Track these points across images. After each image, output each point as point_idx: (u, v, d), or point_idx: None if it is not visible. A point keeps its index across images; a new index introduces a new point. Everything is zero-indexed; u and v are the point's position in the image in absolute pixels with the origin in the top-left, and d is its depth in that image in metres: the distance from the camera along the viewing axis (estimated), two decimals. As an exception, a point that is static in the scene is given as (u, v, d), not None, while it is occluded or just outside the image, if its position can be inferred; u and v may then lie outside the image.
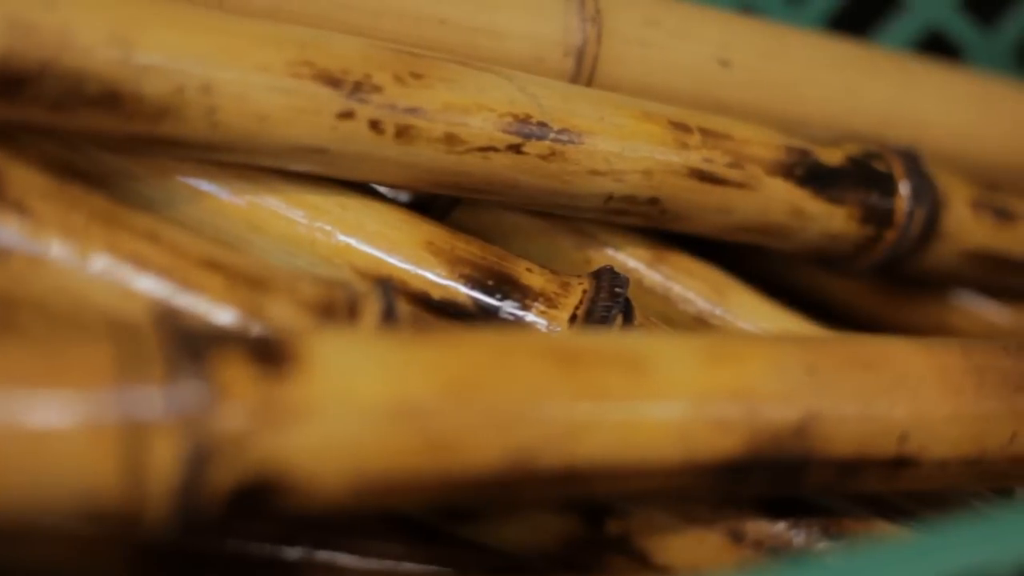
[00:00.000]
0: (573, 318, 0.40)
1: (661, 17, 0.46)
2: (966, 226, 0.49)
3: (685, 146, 0.43)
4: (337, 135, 0.37)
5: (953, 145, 0.54)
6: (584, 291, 0.41)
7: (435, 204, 0.44)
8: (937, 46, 0.61)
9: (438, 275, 0.39)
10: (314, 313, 0.35)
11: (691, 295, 0.45)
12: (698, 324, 0.45)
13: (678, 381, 0.32)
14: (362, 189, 0.40)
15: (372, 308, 0.35)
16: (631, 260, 0.45)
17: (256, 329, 0.30)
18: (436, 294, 0.39)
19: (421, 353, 0.31)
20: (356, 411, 0.30)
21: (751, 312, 0.46)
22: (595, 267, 0.44)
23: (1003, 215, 0.50)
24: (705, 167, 0.43)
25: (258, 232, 0.39)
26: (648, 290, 0.45)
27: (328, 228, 0.39)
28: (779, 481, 0.34)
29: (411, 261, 0.39)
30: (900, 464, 0.35)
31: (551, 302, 0.40)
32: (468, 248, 0.40)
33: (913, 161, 0.48)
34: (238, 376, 0.29)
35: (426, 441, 0.30)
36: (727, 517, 0.36)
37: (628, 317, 0.40)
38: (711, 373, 0.33)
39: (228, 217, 0.39)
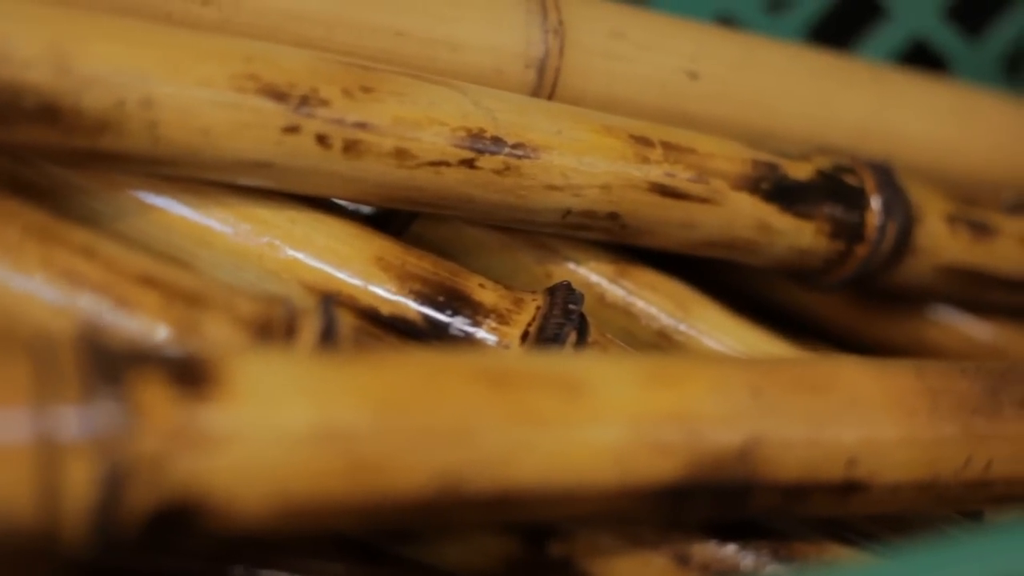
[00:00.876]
0: (525, 335, 0.39)
1: (628, 29, 0.46)
2: (941, 241, 0.49)
3: (646, 160, 0.42)
4: (283, 150, 0.37)
5: (932, 158, 0.53)
6: (538, 307, 0.40)
7: (395, 217, 0.44)
8: (922, 56, 0.60)
9: (387, 291, 0.39)
10: (251, 331, 0.34)
11: (654, 310, 0.45)
12: (661, 340, 0.45)
13: (616, 404, 0.32)
14: (314, 203, 0.40)
15: (311, 327, 0.34)
16: (593, 275, 0.44)
17: (181, 349, 0.30)
18: (385, 310, 0.39)
19: (348, 375, 0.30)
20: (278, 433, 0.29)
21: (716, 328, 0.45)
22: (556, 282, 0.44)
23: (980, 230, 0.50)
24: (667, 182, 0.42)
25: (206, 246, 0.38)
26: (610, 305, 0.44)
27: (276, 243, 0.39)
28: (722, 505, 0.33)
29: (360, 276, 0.39)
30: (849, 489, 0.34)
31: (503, 319, 0.39)
32: (420, 263, 0.40)
33: (886, 175, 0.48)
34: (156, 397, 0.28)
35: (351, 464, 0.29)
36: (673, 540, 0.35)
37: (582, 334, 0.40)
38: (650, 395, 0.32)
39: (176, 231, 0.38)
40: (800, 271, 0.47)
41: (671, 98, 0.47)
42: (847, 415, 0.34)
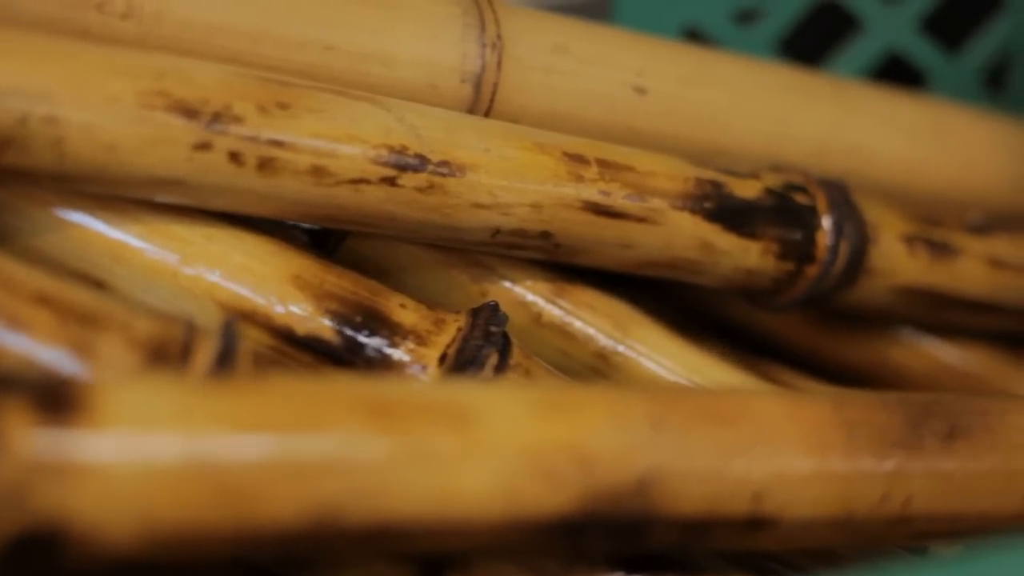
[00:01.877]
0: (443, 357, 0.39)
1: (571, 42, 0.45)
2: (898, 262, 0.48)
3: (580, 178, 0.41)
4: (194, 166, 0.36)
5: (898, 175, 0.52)
6: (459, 329, 0.39)
7: (330, 233, 0.43)
8: (899, 71, 0.59)
9: (303, 310, 0.38)
10: (146, 352, 0.33)
11: (592, 331, 0.44)
12: (599, 362, 0.44)
13: (505, 434, 0.31)
14: (234, 219, 0.39)
15: (206, 350, 0.33)
16: (529, 294, 0.43)
17: (53, 374, 0.29)
18: (300, 330, 0.38)
19: (224, 402, 0.29)
20: (146, 462, 0.29)
21: (656, 350, 0.44)
22: (491, 301, 0.43)
23: (941, 250, 0.49)
24: (601, 200, 0.42)
25: (121, 262, 0.38)
26: (546, 326, 0.43)
27: (191, 260, 0.38)
28: (620, 540, 0.32)
29: (275, 295, 0.38)
30: (755, 524, 0.33)
31: (422, 340, 0.39)
32: (339, 282, 0.39)
33: (840, 193, 0.47)
34: (19, 424, 0.28)
35: (222, 494, 0.29)
36: (577, 571, 0.35)
37: (505, 356, 0.39)
38: (543, 426, 0.31)
39: (92, 246, 0.38)
40: (749, 291, 0.46)
41: (617, 114, 0.46)
42: (754, 448, 0.33)
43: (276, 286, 0.38)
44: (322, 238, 0.44)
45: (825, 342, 0.52)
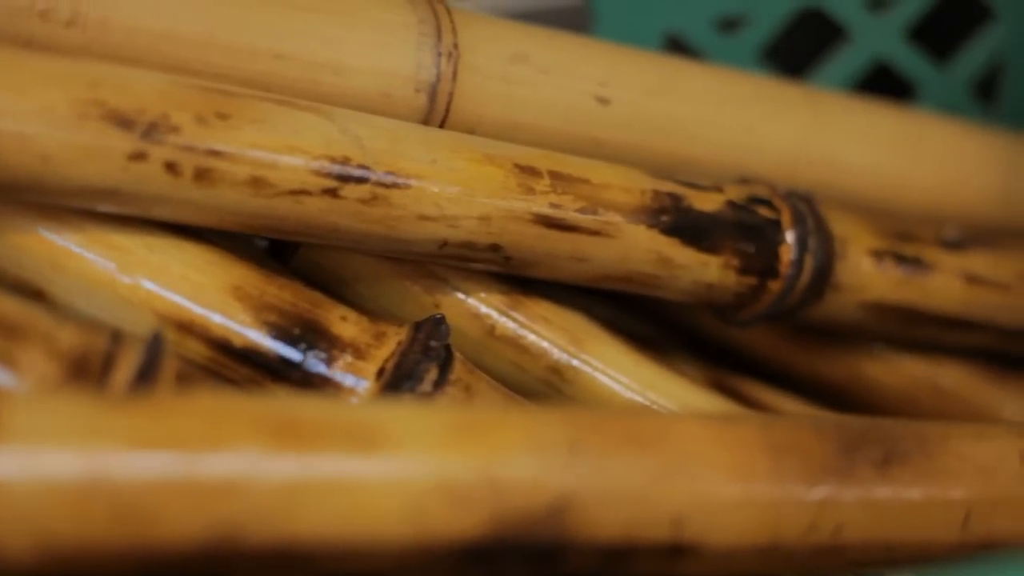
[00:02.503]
0: (382, 371, 0.38)
1: (532, 52, 0.45)
2: (866, 277, 0.47)
3: (530, 191, 0.41)
4: (129, 176, 0.36)
5: (874, 188, 0.51)
6: (399, 343, 0.39)
7: (287, 242, 0.43)
8: (887, 81, 0.58)
9: (241, 322, 0.38)
10: (67, 364, 0.33)
11: (546, 345, 0.43)
12: (553, 376, 0.43)
13: (414, 455, 0.31)
14: (176, 229, 0.39)
15: (128, 363, 0.33)
16: (483, 306, 0.43)
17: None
18: (238, 342, 0.38)
19: (123, 419, 0.29)
20: (42, 479, 0.28)
21: (611, 364, 0.44)
22: (444, 312, 0.43)
23: (913, 265, 0.48)
24: (553, 213, 0.41)
25: (60, 271, 0.38)
26: (500, 338, 0.43)
27: (131, 269, 0.38)
28: (533, 566, 0.32)
29: (213, 306, 0.38)
30: (676, 551, 0.33)
31: (360, 353, 0.39)
32: (280, 294, 0.39)
33: (807, 207, 0.46)
34: (-86, 440, 0.28)
35: (118, 513, 0.29)
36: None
37: (445, 371, 0.39)
38: (454, 448, 0.31)
39: (30, 255, 0.38)
40: (711, 305, 0.46)
41: (578, 125, 0.45)
42: (676, 472, 0.33)
43: (214, 297, 0.38)
44: (279, 246, 0.43)
45: (798, 357, 0.52)
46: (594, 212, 0.42)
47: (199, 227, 0.39)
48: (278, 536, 0.30)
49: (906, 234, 0.49)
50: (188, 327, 0.38)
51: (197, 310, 0.38)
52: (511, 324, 0.43)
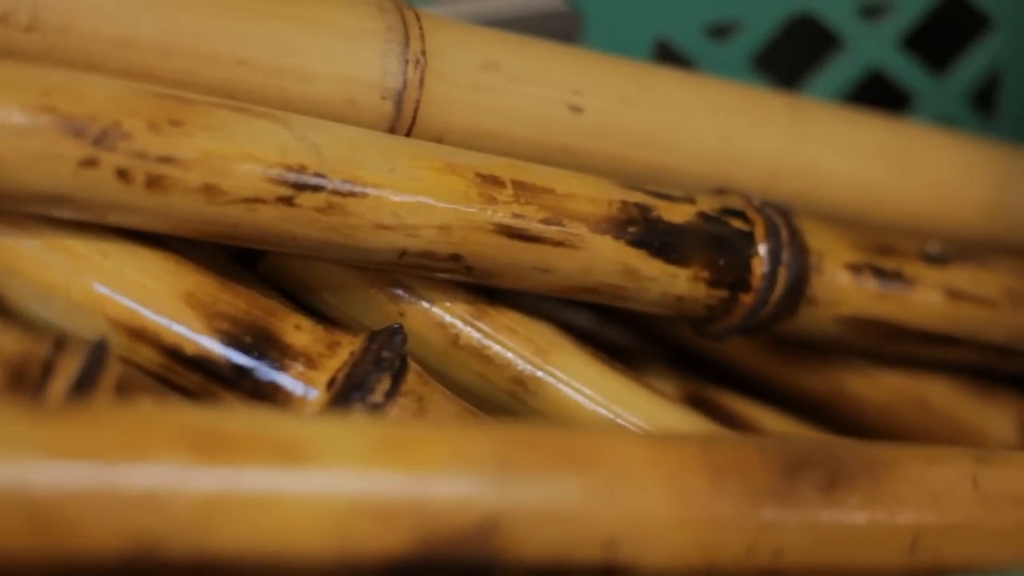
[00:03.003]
0: (332, 381, 0.38)
1: (504, 60, 0.44)
2: (843, 291, 0.47)
3: (492, 200, 0.41)
4: (80, 183, 0.36)
5: (859, 201, 0.51)
6: (352, 352, 0.39)
7: (250, 250, 0.43)
8: (883, 91, 0.58)
9: (193, 329, 0.38)
10: (6, 371, 0.33)
11: (510, 356, 0.43)
12: (517, 387, 0.43)
13: (339, 470, 0.31)
14: (133, 235, 0.39)
15: (66, 372, 0.33)
16: (448, 315, 0.43)
17: None
18: (189, 349, 0.38)
19: (44, 429, 0.29)
20: (-42, 490, 0.29)
21: (576, 376, 0.43)
22: (409, 320, 0.43)
23: (893, 279, 0.47)
24: (515, 223, 0.41)
25: (15, 275, 0.38)
26: (464, 348, 0.43)
27: (85, 275, 0.38)
28: (466, 581, 0.32)
29: (166, 313, 0.38)
30: (609, 573, 0.33)
31: (312, 363, 0.38)
32: (234, 301, 0.39)
33: (783, 219, 0.46)
34: None
35: (37, 523, 0.29)
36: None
37: (398, 382, 0.39)
38: (380, 464, 0.31)
39: (-13, 259, 0.38)
40: (682, 317, 0.46)
41: (550, 133, 0.45)
42: (610, 492, 0.32)
43: (167, 303, 0.38)
44: (246, 252, 0.43)
45: (780, 369, 0.51)
46: (558, 223, 0.42)
47: (156, 233, 0.39)
48: (199, 549, 0.30)
49: (887, 248, 0.48)
50: (140, 333, 0.38)
51: (149, 316, 0.38)
52: (475, 334, 0.43)
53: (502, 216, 0.41)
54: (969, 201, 0.53)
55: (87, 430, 0.30)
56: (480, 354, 0.43)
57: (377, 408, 0.38)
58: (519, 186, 0.41)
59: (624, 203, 0.43)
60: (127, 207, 0.37)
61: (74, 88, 0.36)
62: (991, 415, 0.52)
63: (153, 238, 0.39)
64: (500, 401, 0.43)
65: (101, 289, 0.38)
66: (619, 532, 0.32)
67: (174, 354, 0.38)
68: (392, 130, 0.43)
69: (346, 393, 0.38)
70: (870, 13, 0.56)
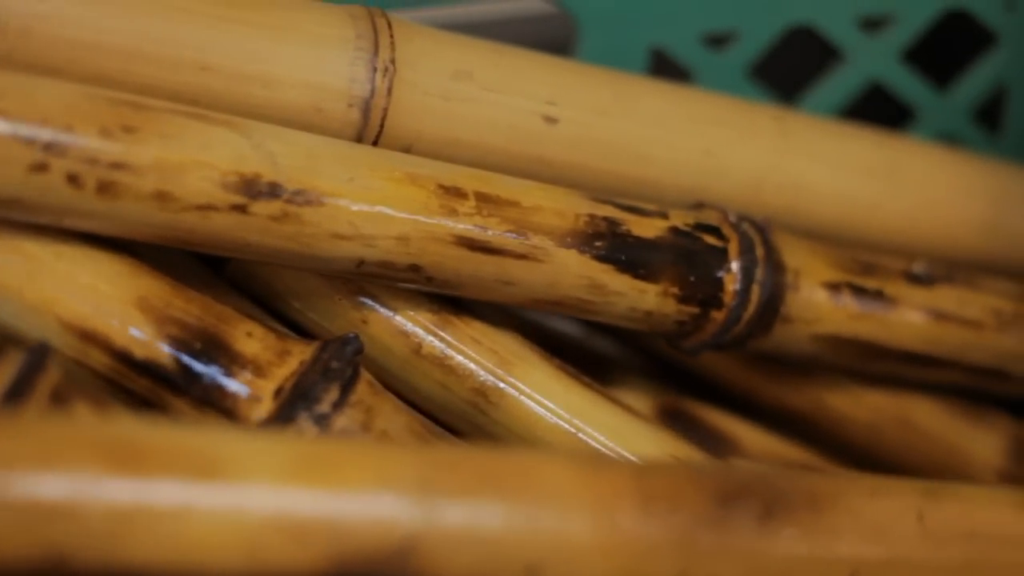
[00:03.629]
0: (280, 390, 0.38)
1: (477, 68, 0.44)
2: (820, 310, 0.46)
3: (454, 212, 0.40)
4: (31, 187, 0.36)
5: (846, 217, 0.50)
6: (302, 362, 0.39)
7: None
8: (885, 105, 0.57)
9: (143, 334, 0.38)
10: (-58, 375, 0.34)
11: (472, 366, 0.43)
12: (478, 397, 0.43)
13: (254, 486, 0.31)
14: (91, 239, 0.39)
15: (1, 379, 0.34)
16: (410, 324, 0.43)
17: None
18: (139, 353, 0.38)
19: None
20: None
21: (538, 389, 0.43)
22: (372, 327, 0.43)
23: (873, 299, 0.47)
24: (477, 235, 0.41)
25: (-30, 277, 0.38)
26: (426, 358, 0.43)
27: (38, 277, 0.38)
28: (380, 602, 0.32)
29: (117, 317, 0.38)
30: (531, 595, 0.32)
31: (261, 371, 0.38)
32: (187, 307, 0.39)
33: (760, 236, 0.45)
34: None
35: (-56, 533, 0.29)
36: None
37: (347, 391, 0.39)
38: (297, 481, 0.31)
39: (-57, 259, 0.38)
40: (653, 332, 0.45)
41: (524, 143, 0.45)
42: (535, 516, 0.32)
43: (119, 307, 0.38)
44: (214, 256, 0.43)
45: (762, 384, 0.51)
46: (522, 235, 0.41)
47: (113, 238, 0.39)
48: (108, 561, 0.30)
49: (869, 266, 0.47)
50: (91, 336, 0.38)
51: (100, 320, 0.38)
52: (438, 344, 0.43)
53: (463, 228, 0.41)
54: (964, 220, 0.52)
55: (4, 443, 0.30)
56: (442, 364, 0.43)
57: (323, 418, 0.38)
58: (482, 198, 0.41)
59: (592, 216, 0.42)
60: (79, 212, 0.37)
61: (26, 92, 0.36)
62: (977, 438, 0.51)
63: (112, 242, 0.39)
64: (462, 411, 0.43)
65: (54, 292, 0.38)
66: (542, 557, 0.32)
67: (124, 358, 0.38)
68: (359, 138, 0.43)
69: (292, 402, 0.38)
70: (871, 25, 0.55)
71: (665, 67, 0.55)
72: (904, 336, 0.48)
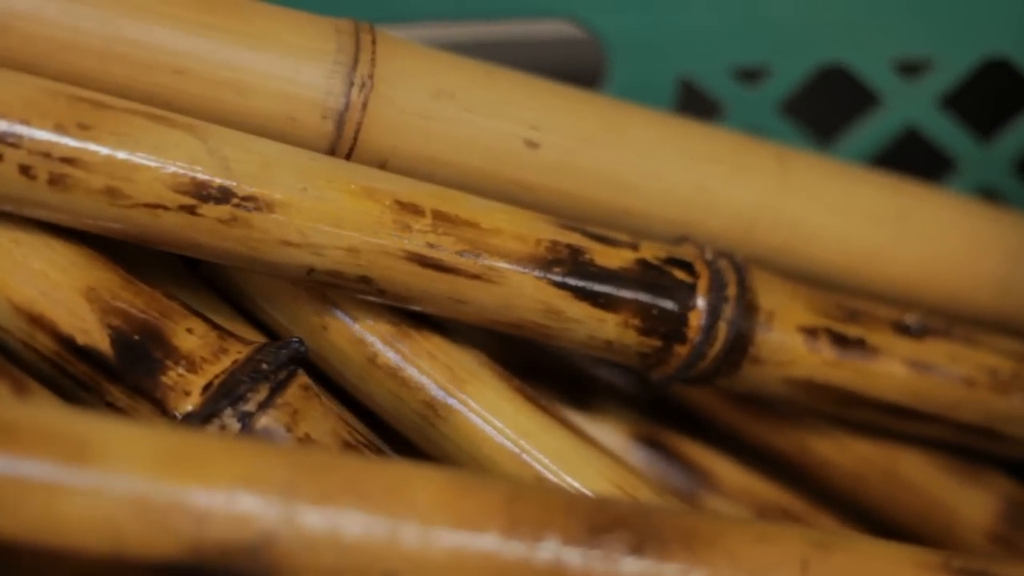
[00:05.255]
0: (208, 386, 0.40)
1: (460, 89, 0.45)
2: (793, 353, 0.46)
3: (407, 228, 0.41)
4: (-15, 175, 0.38)
5: (844, 261, 0.49)
6: (235, 361, 0.40)
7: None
8: (924, 152, 0.56)
9: (85, 322, 0.40)
10: None
11: (424, 380, 0.44)
12: (428, 411, 0.44)
13: (120, 473, 0.32)
14: (55, 229, 0.40)
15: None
16: (368, 333, 0.44)
17: None
18: (81, 340, 0.40)
19: None
20: None
21: (487, 407, 0.44)
22: (331, 334, 0.44)
23: (854, 347, 0.46)
24: (428, 253, 0.41)
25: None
26: (381, 367, 0.44)
27: (-7, 262, 0.40)
28: (236, 596, 0.33)
29: (63, 304, 0.40)
30: (387, 605, 0.33)
31: (193, 367, 0.40)
32: (132, 300, 0.40)
33: (735, 274, 0.45)
34: None
35: None
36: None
37: (276, 393, 0.40)
38: (161, 472, 0.32)
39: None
40: (616, 362, 0.45)
41: (503, 166, 0.45)
42: (396, 528, 0.33)
43: (66, 295, 0.40)
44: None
45: (746, 422, 0.51)
46: (475, 256, 0.42)
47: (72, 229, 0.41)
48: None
49: (855, 313, 0.47)
50: (39, 320, 0.40)
51: (48, 306, 0.40)
52: (393, 355, 0.44)
53: (415, 245, 0.41)
54: (976, 274, 0.51)
55: None
56: (395, 375, 0.44)
57: (247, 416, 0.39)
58: (440, 216, 0.42)
59: (554, 243, 0.43)
60: (31, 201, 0.39)
61: (-13, 84, 0.39)
62: (966, 496, 0.50)
63: (77, 234, 0.41)
64: (412, 422, 0.44)
65: (7, 275, 0.40)
66: (399, 569, 0.33)
67: (67, 344, 0.40)
68: (333, 149, 0.44)
69: (217, 399, 0.39)
70: (908, 70, 0.55)
71: (694, 99, 0.55)
72: (884, 387, 0.47)
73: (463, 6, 0.53)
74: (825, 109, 0.56)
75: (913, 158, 0.55)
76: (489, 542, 0.34)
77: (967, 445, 0.49)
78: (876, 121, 0.56)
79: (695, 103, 0.55)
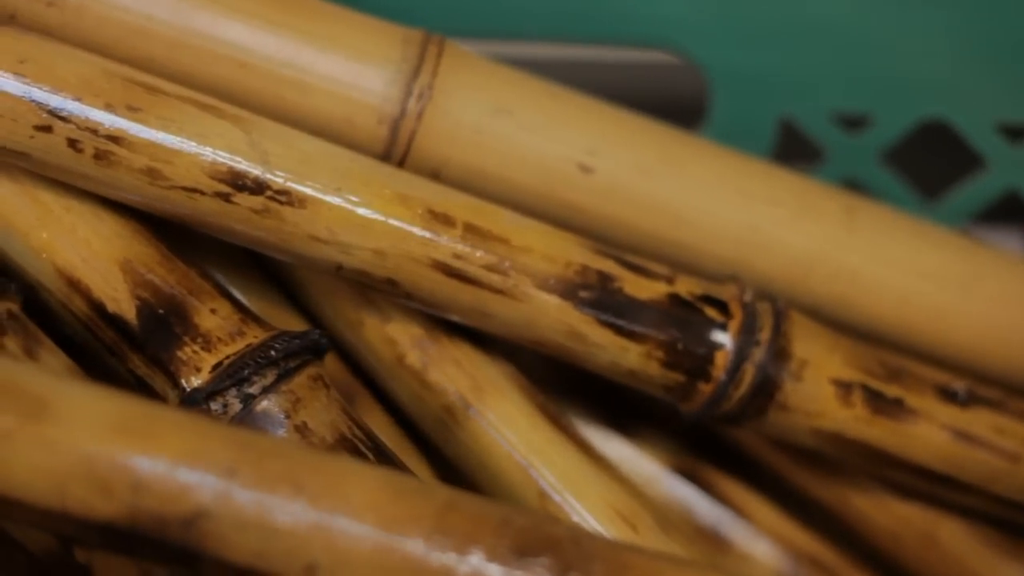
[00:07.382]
0: (218, 365, 0.42)
1: (519, 107, 0.46)
2: (824, 405, 0.46)
3: (436, 237, 0.42)
4: (36, 144, 0.41)
5: (904, 320, 0.49)
6: (248, 344, 0.42)
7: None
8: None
9: (117, 291, 0.42)
10: None
11: (446, 386, 0.45)
12: (447, 416, 0.45)
13: (70, 436, 0.34)
14: (104, 201, 0.43)
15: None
16: (400, 333, 0.45)
17: None
18: (110, 308, 0.42)
19: None
20: None
21: (503, 420, 0.45)
22: (366, 330, 0.46)
23: (891, 406, 0.46)
24: (454, 263, 0.43)
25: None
26: (408, 368, 0.45)
27: (45, 224, 0.43)
28: (173, 562, 0.35)
29: (99, 272, 0.42)
30: (312, 593, 0.35)
31: (208, 345, 0.42)
32: (165, 276, 0.42)
33: (772, 319, 0.45)
34: None
35: None
36: None
37: (282, 380, 0.41)
38: (112, 438, 0.34)
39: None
40: (644, 391, 0.46)
41: (555, 187, 0.46)
42: (324, 520, 0.34)
43: (104, 264, 0.42)
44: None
45: (788, 467, 0.51)
46: (502, 272, 0.43)
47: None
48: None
49: (898, 372, 0.46)
50: (76, 285, 0.42)
51: (87, 272, 0.43)
52: (420, 358, 0.45)
53: (442, 254, 0.43)
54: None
55: None
56: (419, 377, 0.45)
57: (249, 398, 0.41)
58: (470, 228, 0.43)
59: (585, 267, 0.44)
60: (77, 173, 0.42)
61: (49, 61, 0.41)
62: (1005, 572, 0.49)
63: (128, 208, 0.43)
64: (432, 424, 0.45)
65: (54, 239, 0.43)
66: (321, 561, 0.34)
67: (98, 309, 0.42)
68: (386, 155, 0.45)
69: (224, 378, 0.41)
70: (1013, 133, 0.53)
71: (795, 141, 0.55)
72: (919, 450, 0.46)
73: (571, 29, 0.54)
74: (929, 164, 0.55)
75: (1018, 219, 0.54)
76: (414, 548, 0.35)
77: (1007, 519, 0.48)
78: (978, 180, 0.54)
79: (796, 145, 0.54)
